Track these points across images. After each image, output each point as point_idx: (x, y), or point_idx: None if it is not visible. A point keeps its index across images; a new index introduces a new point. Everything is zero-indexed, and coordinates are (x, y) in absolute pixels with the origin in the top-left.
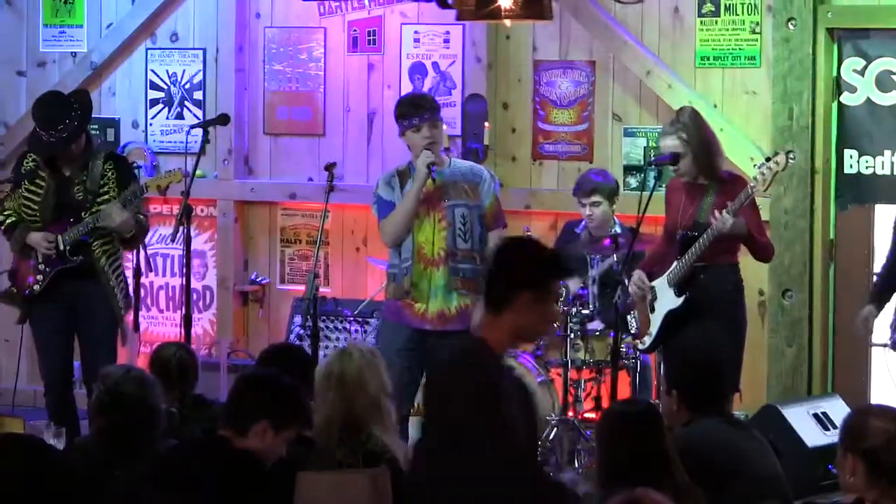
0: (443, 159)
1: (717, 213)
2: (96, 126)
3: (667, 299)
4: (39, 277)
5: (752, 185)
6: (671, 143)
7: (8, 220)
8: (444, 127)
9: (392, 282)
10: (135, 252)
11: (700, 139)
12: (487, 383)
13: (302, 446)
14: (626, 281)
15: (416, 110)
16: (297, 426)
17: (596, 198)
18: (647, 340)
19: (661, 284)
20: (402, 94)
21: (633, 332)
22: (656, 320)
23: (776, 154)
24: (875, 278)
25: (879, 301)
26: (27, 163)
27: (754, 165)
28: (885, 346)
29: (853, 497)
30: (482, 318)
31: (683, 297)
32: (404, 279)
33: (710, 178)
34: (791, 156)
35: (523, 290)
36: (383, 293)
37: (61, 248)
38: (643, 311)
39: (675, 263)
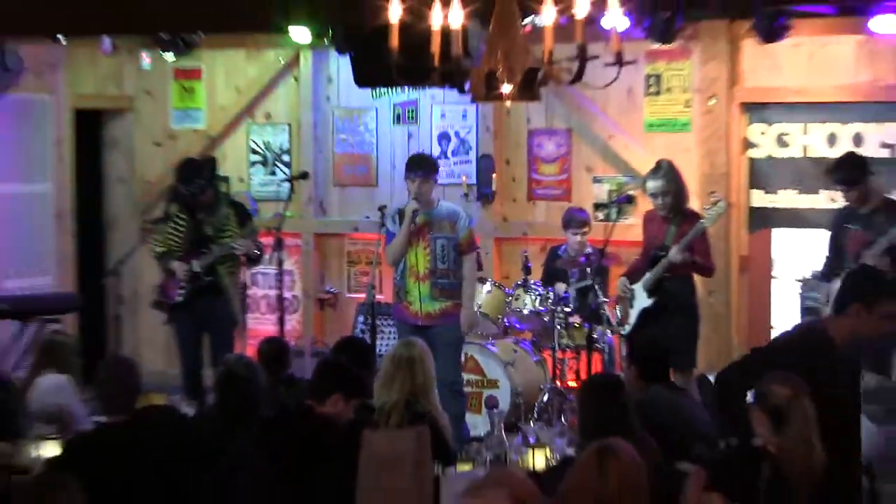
0: (430, 203)
1: (672, 248)
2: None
3: (642, 300)
4: (181, 292)
5: (700, 225)
6: (657, 185)
7: (159, 250)
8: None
9: (395, 290)
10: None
11: (678, 183)
12: None
13: (366, 412)
14: (596, 288)
15: (413, 168)
16: (361, 397)
17: (584, 228)
18: (628, 328)
19: (638, 288)
20: (417, 152)
21: (616, 322)
22: (634, 314)
23: (719, 201)
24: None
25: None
26: (171, 207)
27: (704, 208)
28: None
29: (761, 441)
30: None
31: (653, 298)
32: (401, 290)
33: (677, 212)
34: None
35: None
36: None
37: (196, 270)
38: (625, 308)
39: (647, 274)
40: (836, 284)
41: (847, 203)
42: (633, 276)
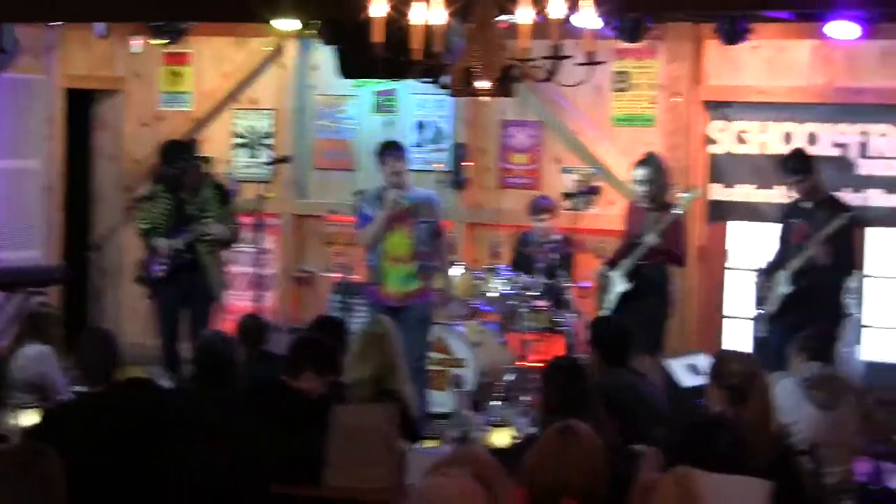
0: (406, 187)
1: (650, 234)
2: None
3: (619, 284)
4: (163, 268)
5: (674, 211)
6: (644, 173)
7: (144, 227)
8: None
9: (370, 273)
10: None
11: (663, 173)
12: None
13: (337, 387)
14: (562, 273)
15: (390, 149)
16: (333, 373)
17: (543, 215)
18: (607, 312)
19: (616, 274)
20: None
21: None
22: (613, 298)
23: (692, 189)
24: (767, 263)
25: (768, 273)
26: (156, 187)
27: (678, 194)
28: (750, 318)
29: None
30: None
31: (630, 283)
32: (377, 273)
33: (657, 203)
34: (699, 190)
35: None
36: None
37: (178, 247)
38: (601, 294)
39: (625, 260)
40: (780, 276)
41: (796, 196)
42: (613, 263)
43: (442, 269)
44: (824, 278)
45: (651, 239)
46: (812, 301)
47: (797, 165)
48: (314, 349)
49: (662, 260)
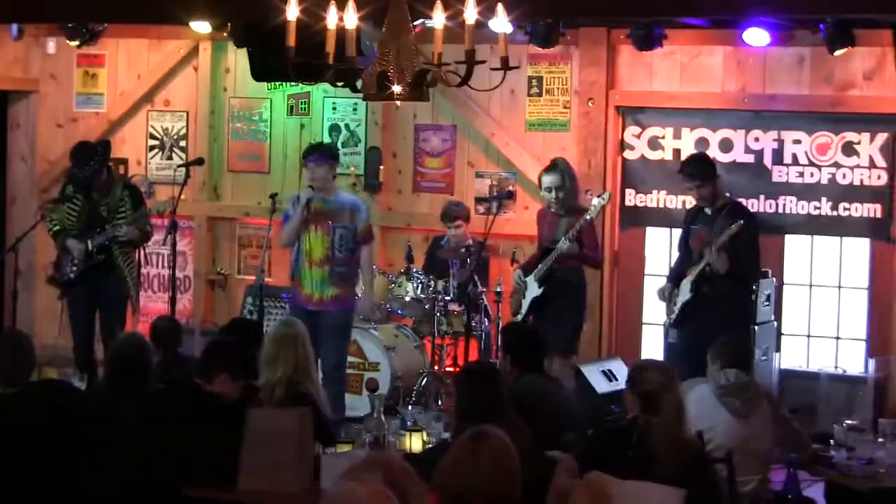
0: (329, 191)
1: (563, 239)
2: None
3: (533, 289)
4: (74, 269)
5: (587, 216)
6: (551, 179)
7: (55, 228)
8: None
9: (290, 274)
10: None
11: (571, 180)
12: None
13: (251, 391)
14: (475, 277)
15: (307, 154)
16: (247, 377)
17: (458, 222)
18: (520, 317)
19: (531, 280)
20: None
21: (512, 312)
22: (526, 303)
23: (602, 193)
24: (670, 269)
25: (674, 281)
26: (67, 189)
27: (589, 198)
28: (655, 324)
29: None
30: None
31: (543, 288)
32: (295, 274)
33: (568, 208)
34: (608, 194)
35: None
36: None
37: (89, 249)
38: (517, 299)
39: (539, 265)
40: (684, 283)
41: (697, 201)
42: (527, 269)
43: (363, 277)
44: (724, 285)
45: (565, 245)
46: (713, 308)
47: (694, 170)
48: (228, 353)
49: (577, 264)
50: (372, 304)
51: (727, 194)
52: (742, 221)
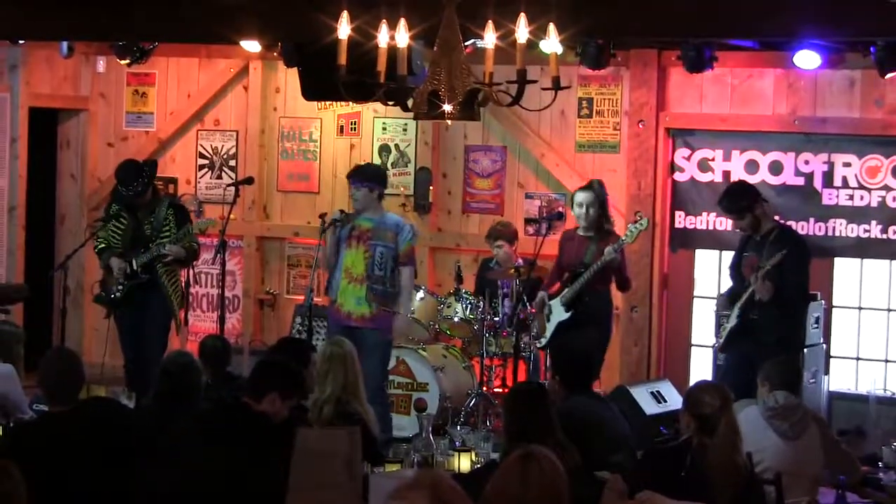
0: (374, 211)
1: (606, 248)
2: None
3: (559, 313)
4: (120, 288)
5: (623, 239)
6: (584, 196)
7: (100, 246)
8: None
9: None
10: (186, 270)
11: (603, 200)
12: None
13: (300, 411)
14: (525, 299)
15: (350, 176)
16: (297, 397)
17: (499, 242)
18: (544, 341)
19: (556, 303)
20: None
21: (533, 334)
22: (550, 328)
23: (641, 219)
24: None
25: (730, 304)
26: (113, 208)
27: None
28: (711, 346)
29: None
30: None
31: (571, 312)
32: (335, 290)
33: (598, 230)
34: (647, 219)
35: None
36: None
37: (134, 268)
38: (542, 321)
39: (566, 289)
40: (734, 308)
41: (741, 230)
42: (550, 291)
43: (401, 298)
44: (770, 312)
45: (609, 255)
46: (759, 334)
47: (730, 206)
48: (278, 372)
49: (604, 288)
50: (403, 325)
51: (776, 218)
52: (786, 251)
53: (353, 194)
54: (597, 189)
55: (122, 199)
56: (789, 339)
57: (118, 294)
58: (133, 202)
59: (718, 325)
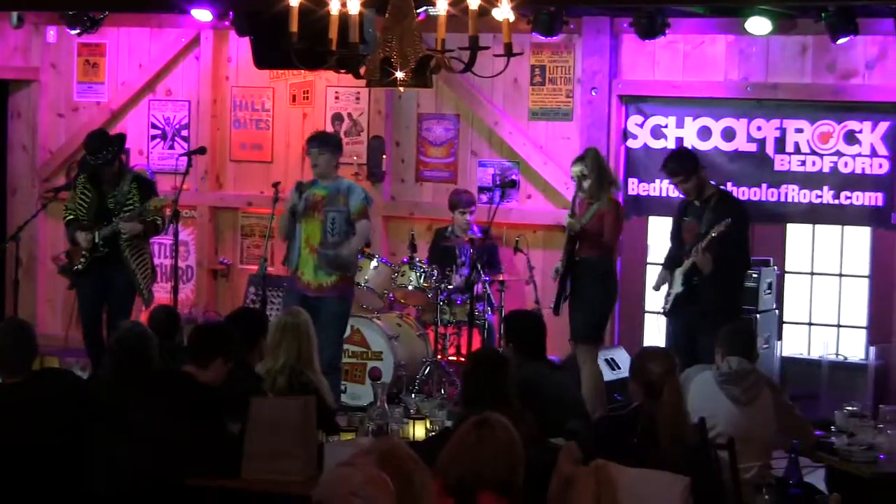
0: (329, 178)
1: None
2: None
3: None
4: (83, 260)
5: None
6: (577, 168)
7: (68, 217)
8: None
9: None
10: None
11: (600, 170)
12: None
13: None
14: (479, 266)
15: (309, 142)
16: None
17: (472, 209)
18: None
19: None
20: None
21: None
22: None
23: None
24: (665, 261)
25: (670, 270)
26: (80, 178)
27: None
28: (658, 312)
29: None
30: None
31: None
32: (296, 260)
33: (597, 197)
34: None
35: None
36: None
37: (96, 241)
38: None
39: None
40: (677, 273)
41: (686, 193)
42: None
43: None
44: (713, 278)
45: (574, 226)
46: (702, 299)
47: (675, 167)
48: (220, 336)
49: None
50: (346, 255)
51: (712, 183)
52: (727, 221)
53: (315, 158)
54: (589, 158)
55: (88, 168)
56: (727, 303)
57: (81, 266)
58: (98, 173)
59: (668, 289)
